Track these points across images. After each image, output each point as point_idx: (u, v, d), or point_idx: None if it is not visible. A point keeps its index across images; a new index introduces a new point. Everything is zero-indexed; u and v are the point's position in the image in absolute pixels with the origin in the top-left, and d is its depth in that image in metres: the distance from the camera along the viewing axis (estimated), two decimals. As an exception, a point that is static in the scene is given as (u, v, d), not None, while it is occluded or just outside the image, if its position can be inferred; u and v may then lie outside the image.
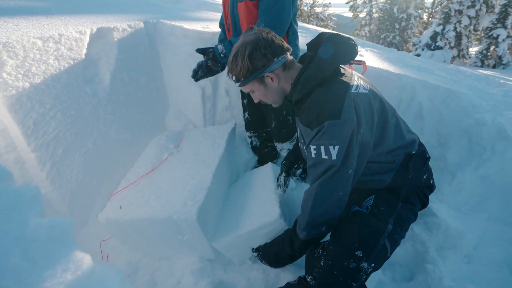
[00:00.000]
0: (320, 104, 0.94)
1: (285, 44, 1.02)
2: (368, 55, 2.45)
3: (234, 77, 1.04)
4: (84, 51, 1.43)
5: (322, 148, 0.91)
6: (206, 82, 2.08)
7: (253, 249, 1.31)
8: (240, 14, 1.48)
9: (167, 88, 2.16)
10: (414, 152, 1.08)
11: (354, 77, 1.03)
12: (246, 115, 1.93)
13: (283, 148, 1.88)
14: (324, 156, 0.92)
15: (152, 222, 1.24)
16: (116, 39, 1.62)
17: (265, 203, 1.38)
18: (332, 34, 1.04)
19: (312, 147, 0.94)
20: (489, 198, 1.69)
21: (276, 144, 1.91)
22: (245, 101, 1.89)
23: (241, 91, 1.90)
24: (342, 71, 1.02)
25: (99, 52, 1.56)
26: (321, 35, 1.06)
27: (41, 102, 1.24)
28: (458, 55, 13.39)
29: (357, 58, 1.93)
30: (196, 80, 1.55)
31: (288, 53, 1.02)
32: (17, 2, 1.68)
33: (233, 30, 1.54)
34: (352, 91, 0.95)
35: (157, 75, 2.05)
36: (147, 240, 1.36)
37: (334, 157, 0.90)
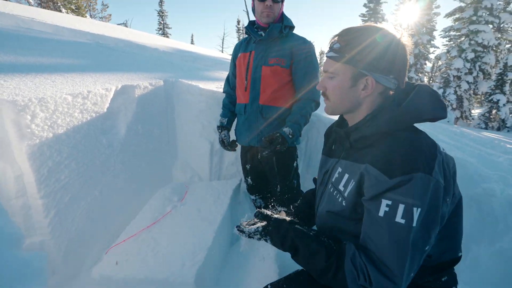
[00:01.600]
0: (411, 151, 0.71)
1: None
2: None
3: (340, 46, 0.80)
4: (107, 105, 1.55)
5: (401, 207, 0.67)
6: (215, 137, 2.18)
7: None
8: (263, 76, 1.60)
9: (177, 141, 2.25)
10: (460, 255, 0.86)
11: None
12: (249, 180, 1.91)
13: None
14: (399, 219, 0.67)
15: (148, 282, 1.18)
16: (137, 95, 1.76)
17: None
18: (427, 86, 0.84)
19: (386, 202, 0.69)
20: (509, 276, 1.56)
21: (280, 209, 1.85)
22: (247, 166, 1.88)
23: (242, 156, 1.91)
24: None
25: (119, 106, 1.69)
26: (411, 84, 0.86)
27: (59, 151, 1.30)
28: (461, 116, 13.80)
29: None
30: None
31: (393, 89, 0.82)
32: (58, 59, 1.90)
33: (251, 90, 1.64)
34: (441, 149, 0.75)
35: (170, 128, 2.17)
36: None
37: (414, 224, 0.66)
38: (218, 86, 2.23)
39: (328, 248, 0.77)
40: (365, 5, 17.95)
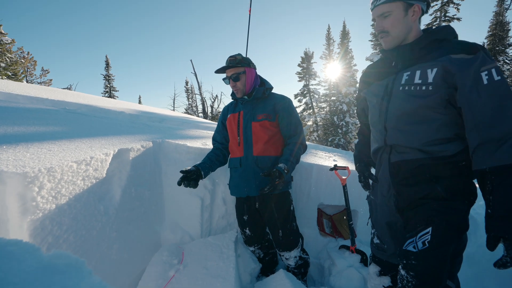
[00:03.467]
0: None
1: None
2: (340, 160, 2.90)
3: None
4: (106, 170, 1.52)
5: (493, 70, 0.96)
6: (205, 192, 2.19)
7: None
8: (254, 131, 1.78)
9: (165, 201, 2.19)
10: None
11: None
12: (247, 231, 1.93)
13: (290, 257, 1.85)
14: (497, 78, 0.95)
15: None
16: (130, 158, 1.75)
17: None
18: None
19: (484, 73, 0.96)
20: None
21: (282, 253, 1.86)
22: (245, 217, 1.91)
23: (238, 208, 1.95)
24: None
25: (114, 170, 1.65)
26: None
27: (60, 224, 1.20)
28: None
29: (339, 164, 2.31)
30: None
31: None
32: (30, 128, 1.80)
33: (245, 144, 1.80)
34: None
35: (158, 189, 2.12)
36: None
37: (499, 77, 0.96)
38: (204, 143, 2.33)
39: None
40: (299, 65, 20.92)
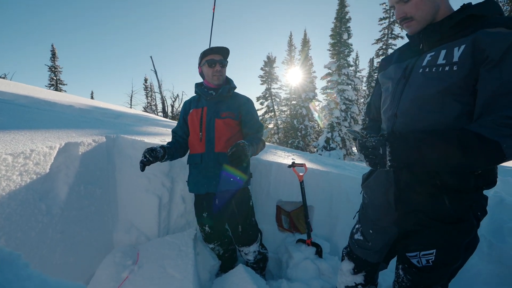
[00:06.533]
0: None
1: None
2: (297, 158, 3.03)
3: None
4: (49, 165, 1.38)
5: None
6: (163, 190, 2.11)
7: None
8: (217, 128, 1.77)
9: (118, 200, 2.06)
10: None
11: None
12: (207, 228, 1.90)
13: (250, 252, 1.89)
14: None
15: None
16: (80, 153, 1.62)
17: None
18: None
19: None
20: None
21: (242, 248, 1.90)
22: (204, 215, 1.88)
23: (197, 205, 1.91)
24: None
25: (60, 165, 1.51)
26: None
27: (-9, 224, 1.06)
28: (347, 153, 17.15)
29: (297, 161, 2.42)
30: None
31: None
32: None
33: (207, 141, 1.78)
34: None
35: (111, 187, 1.99)
36: None
37: None
38: (162, 140, 2.25)
39: (454, 131, 0.82)
40: (262, 69, 21.30)
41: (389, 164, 0.86)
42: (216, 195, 1.84)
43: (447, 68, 0.87)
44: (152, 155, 1.60)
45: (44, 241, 1.35)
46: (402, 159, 0.85)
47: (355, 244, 1.29)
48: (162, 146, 1.69)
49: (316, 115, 19.40)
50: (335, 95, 17.35)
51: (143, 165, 1.58)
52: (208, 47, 2.45)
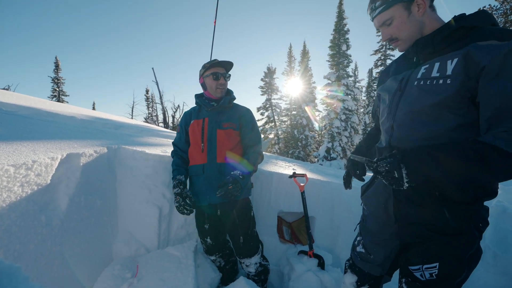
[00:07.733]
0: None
1: None
2: (298, 168, 3.02)
3: (378, 1, 0.98)
4: (51, 176, 1.38)
5: None
6: (163, 201, 2.10)
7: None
8: (218, 138, 1.78)
9: (118, 211, 2.04)
10: None
11: None
12: (208, 240, 1.89)
13: (251, 263, 1.86)
14: None
15: None
16: (81, 164, 1.62)
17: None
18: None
19: None
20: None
21: (243, 260, 1.87)
22: (206, 226, 1.87)
23: (198, 217, 1.91)
24: None
25: (61, 176, 1.51)
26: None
27: (-10, 236, 1.05)
28: (348, 164, 17.14)
29: (298, 171, 2.41)
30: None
31: None
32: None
33: (209, 151, 1.78)
34: None
35: (111, 199, 1.98)
36: None
37: None
38: (163, 151, 2.26)
39: (467, 143, 0.80)
40: (262, 79, 21.56)
41: (407, 185, 0.85)
42: (218, 206, 1.83)
43: (441, 81, 0.88)
44: (189, 204, 1.73)
45: (42, 253, 1.33)
46: (421, 179, 0.85)
47: (357, 257, 1.27)
48: (180, 180, 1.81)
49: (311, 117, 19.44)
50: (335, 105, 17.47)
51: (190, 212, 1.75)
52: (209, 59, 2.49)
